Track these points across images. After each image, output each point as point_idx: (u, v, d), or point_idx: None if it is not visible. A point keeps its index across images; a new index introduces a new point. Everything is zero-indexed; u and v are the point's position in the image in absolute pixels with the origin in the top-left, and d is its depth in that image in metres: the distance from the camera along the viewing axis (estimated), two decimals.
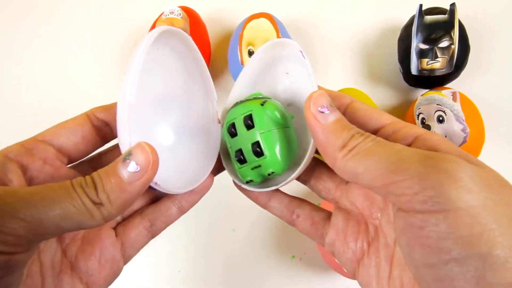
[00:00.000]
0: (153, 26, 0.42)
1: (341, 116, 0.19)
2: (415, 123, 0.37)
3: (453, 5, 0.37)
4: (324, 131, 0.18)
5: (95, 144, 0.22)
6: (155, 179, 0.18)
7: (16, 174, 0.18)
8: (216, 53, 0.47)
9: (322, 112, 0.18)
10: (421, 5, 0.38)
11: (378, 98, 0.42)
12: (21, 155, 0.18)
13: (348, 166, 0.17)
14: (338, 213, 0.22)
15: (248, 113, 0.22)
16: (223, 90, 0.46)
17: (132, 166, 0.16)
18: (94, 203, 0.16)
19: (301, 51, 0.22)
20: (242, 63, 0.39)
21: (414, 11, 0.39)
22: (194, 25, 0.42)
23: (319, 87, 0.22)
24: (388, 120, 0.20)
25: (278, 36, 0.39)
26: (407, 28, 0.40)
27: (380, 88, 0.44)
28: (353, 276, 0.21)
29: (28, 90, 0.48)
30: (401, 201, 0.15)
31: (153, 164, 0.17)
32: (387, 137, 0.19)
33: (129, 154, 0.17)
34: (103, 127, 0.22)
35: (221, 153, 0.25)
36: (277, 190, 0.24)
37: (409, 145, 0.18)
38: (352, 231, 0.22)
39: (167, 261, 0.42)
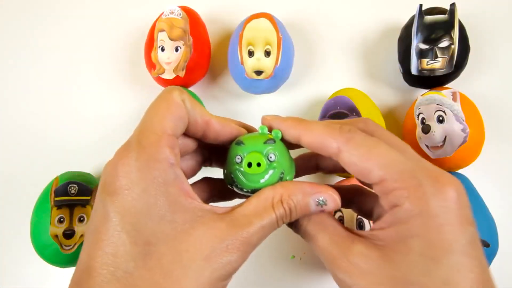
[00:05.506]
0: (153, 26, 0.42)
1: None
2: (415, 123, 0.37)
3: (453, 5, 0.37)
4: None
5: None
6: None
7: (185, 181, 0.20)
8: (216, 53, 0.47)
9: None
10: (421, 5, 0.38)
11: (378, 98, 0.42)
12: (175, 159, 0.20)
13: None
14: None
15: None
16: (223, 90, 0.46)
17: (319, 207, 0.20)
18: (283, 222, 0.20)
19: None
20: (242, 63, 0.39)
21: (414, 11, 0.39)
22: (194, 25, 0.42)
23: None
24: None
25: (278, 36, 0.39)
26: (407, 28, 0.40)
27: (380, 88, 0.44)
28: None
29: (25, 92, 0.49)
30: None
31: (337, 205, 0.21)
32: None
33: (324, 202, 0.20)
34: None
35: None
36: None
37: None
38: None
39: None
